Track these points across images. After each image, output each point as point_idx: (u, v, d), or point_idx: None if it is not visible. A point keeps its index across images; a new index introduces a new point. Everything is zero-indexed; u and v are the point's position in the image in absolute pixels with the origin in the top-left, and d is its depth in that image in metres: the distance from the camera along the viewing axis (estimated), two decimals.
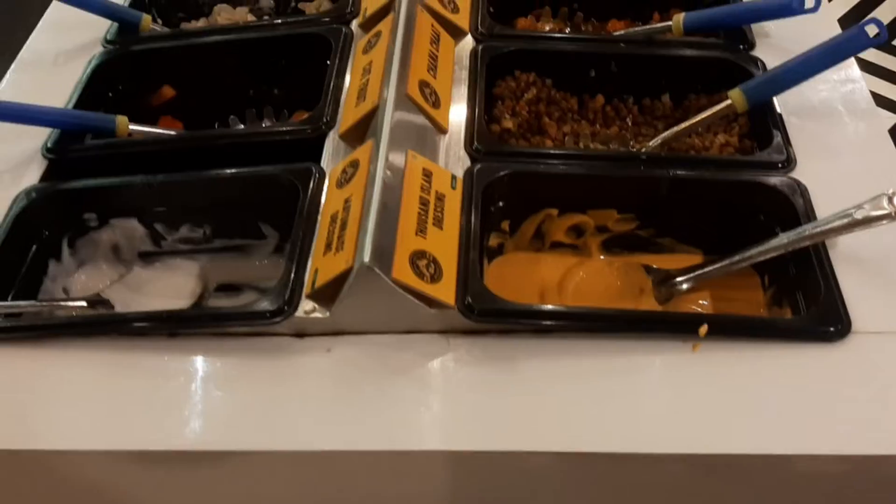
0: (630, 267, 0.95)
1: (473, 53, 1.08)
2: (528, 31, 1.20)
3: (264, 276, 1.00)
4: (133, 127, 1.08)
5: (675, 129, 1.02)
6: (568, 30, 1.27)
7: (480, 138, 0.96)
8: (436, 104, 0.98)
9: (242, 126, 1.21)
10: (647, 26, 1.20)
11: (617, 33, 1.21)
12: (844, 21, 2.90)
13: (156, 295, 0.99)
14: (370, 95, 0.97)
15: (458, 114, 1.00)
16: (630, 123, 1.11)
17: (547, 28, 1.26)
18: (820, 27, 1.09)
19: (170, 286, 1.00)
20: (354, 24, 1.15)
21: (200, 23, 1.36)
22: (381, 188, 0.81)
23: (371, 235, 0.76)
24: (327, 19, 1.17)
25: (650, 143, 1.03)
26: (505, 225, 0.96)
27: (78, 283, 1.00)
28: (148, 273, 1.02)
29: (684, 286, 0.91)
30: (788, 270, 0.88)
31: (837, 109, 1.01)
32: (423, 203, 0.85)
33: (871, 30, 0.95)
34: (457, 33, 1.11)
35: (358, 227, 0.80)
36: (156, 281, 1.01)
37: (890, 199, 0.81)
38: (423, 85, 0.98)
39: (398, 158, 0.87)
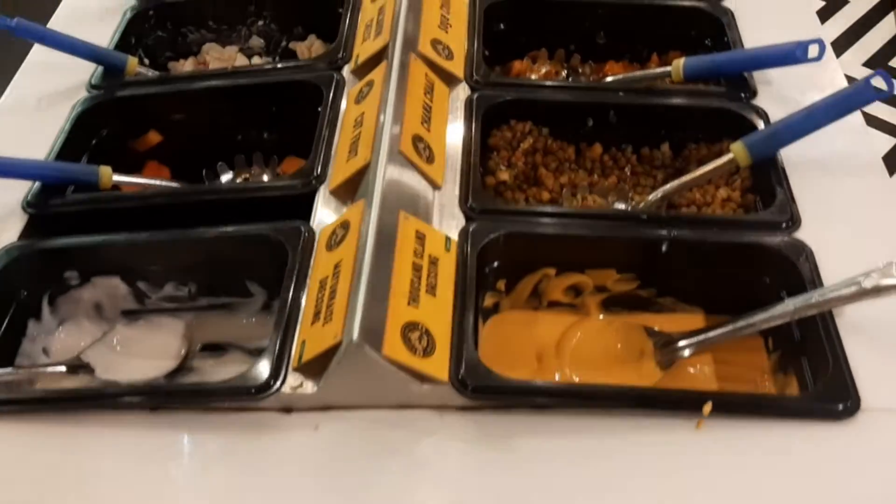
0: (631, 328, 0.92)
1: (468, 102, 1.05)
2: (524, 79, 1.17)
3: (251, 335, 0.96)
4: (117, 178, 1.04)
5: (676, 183, 0.99)
6: (564, 72, 1.24)
7: (475, 196, 0.93)
8: (429, 159, 0.95)
9: (231, 172, 1.18)
10: (647, 71, 1.17)
11: (615, 78, 1.18)
12: (836, 45, 2.89)
13: (138, 355, 0.95)
14: (362, 151, 0.94)
15: (452, 167, 0.97)
16: (629, 173, 1.08)
17: (543, 70, 1.23)
18: (824, 74, 1.07)
19: (153, 346, 0.97)
20: (346, 70, 1.12)
21: (189, 62, 1.33)
22: (371, 255, 0.78)
23: (360, 310, 0.73)
24: (319, 65, 1.14)
25: (649, 198, 1.01)
26: (501, 284, 0.93)
27: (58, 342, 0.97)
28: (131, 332, 0.98)
29: (686, 353, 0.88)
30: (793, 334, 0.85)
31: (843, 164, 0.98)
32: (416, 269, 0.82)
33: (879, 83, 0.93)
34: (451, 81, 1.08)
35: (347, 298, 0.76)
36: (139, 340, 0.97)
37: None
38: (417, 139, 0.95)
39: (390, 220, 0.84)
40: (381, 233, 0.81)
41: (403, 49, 1.04)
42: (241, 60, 1.33)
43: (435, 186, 0.95)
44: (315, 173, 0.97)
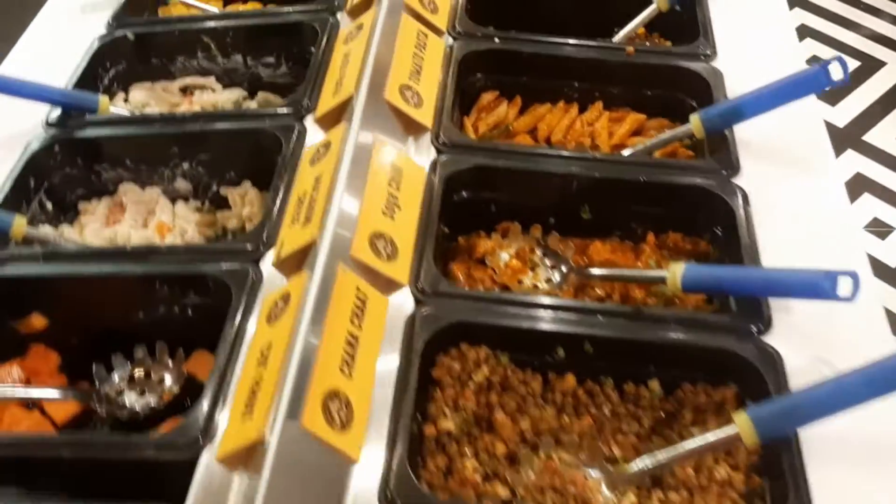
0: None
1: (409, 323, 0.84)
2: (480, 292, 0.94)
3: None
4: None
5: (665, 457, 0.78)
6: (540, 252, 1.02)
7: (399, 484, 0.72)
8: (344, 424, 0.74)
9: (129, 364, 0.97)
10: (639, 272, 0.96)
11: (601, 273, 0.96)
12: (870, 114, 2.63)
13: None
14: (258, 411, 0.73)
15: (379, 425, 0.77)
16: (608, 414, 0.86)
17: (514, 249, 1.02)
18: (858, 313, 0.85)
19: None
20: (268, 261, 0.91)
21: (103, 203, 1.13)
22: None
23: None
24: (239, 248, 0.93)
25: (631, 467, 0.79)
26: None
27: None
28: None
29: None
30: None
31: (871, 452, 0.77)
32: None
33: None
34: (391, 286, 0.87)
35: None
36: None
37: None
38: (329, 398, 0.74)
39: None
40: None
41: (332, 253, 0.84)
42: (163, 203, 1.13)
43: (349, 461, 0.74)
44: (200, 427, 0.76)
